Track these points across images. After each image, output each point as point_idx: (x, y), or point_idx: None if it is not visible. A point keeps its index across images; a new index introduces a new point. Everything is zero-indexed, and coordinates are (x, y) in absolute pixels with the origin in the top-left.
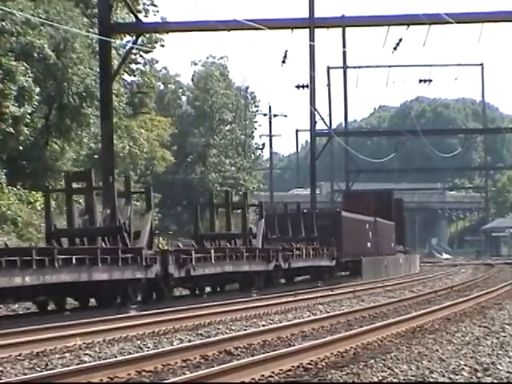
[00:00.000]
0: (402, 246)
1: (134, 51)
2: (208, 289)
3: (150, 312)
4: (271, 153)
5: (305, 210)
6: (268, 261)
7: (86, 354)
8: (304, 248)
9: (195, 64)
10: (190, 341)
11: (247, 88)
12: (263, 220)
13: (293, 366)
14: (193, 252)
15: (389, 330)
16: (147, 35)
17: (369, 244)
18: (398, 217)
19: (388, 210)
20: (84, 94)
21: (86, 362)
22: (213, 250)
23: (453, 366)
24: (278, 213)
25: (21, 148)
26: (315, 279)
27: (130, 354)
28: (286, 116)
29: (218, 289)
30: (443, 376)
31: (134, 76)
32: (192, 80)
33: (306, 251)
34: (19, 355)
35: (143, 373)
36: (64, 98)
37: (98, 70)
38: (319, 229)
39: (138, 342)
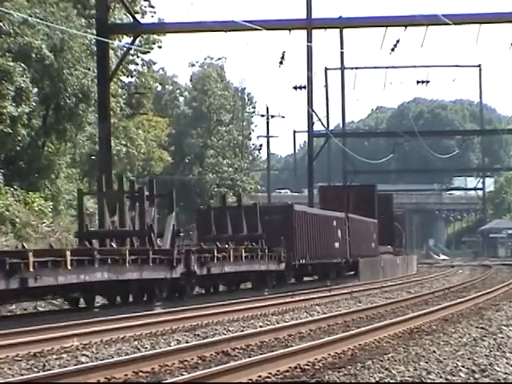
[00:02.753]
0: (391, 245)
1: (132, 52)
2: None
3: (148, 313)
4: (269, 154)
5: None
6: (171, 266)
7: (84, 355)
8: (232, 249)
9: (193, 65)
10: (187, 341)
11: (243, 89)
12: (173, 214)
13: (290, 367)
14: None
15: (386, 330)
16: (145, 36)
17: (337, 244)
18: (384, 214)
19: (370, 207)
20: (81, 94)
21: (83, 363)
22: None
23: (450, 367)
24: (215, 207)
25: (18, 148)
26: (260, 286)
27: (128, 354)
28: (283, 117)
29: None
30: (440, 377)
31: (132, 77)
32: (190, 81)
33: (237, 253)
34: (16, 356)
35: (140, 373)
36: (61, 99)
37: (95, 70)
38: (267, 226)
39: (136, 342)
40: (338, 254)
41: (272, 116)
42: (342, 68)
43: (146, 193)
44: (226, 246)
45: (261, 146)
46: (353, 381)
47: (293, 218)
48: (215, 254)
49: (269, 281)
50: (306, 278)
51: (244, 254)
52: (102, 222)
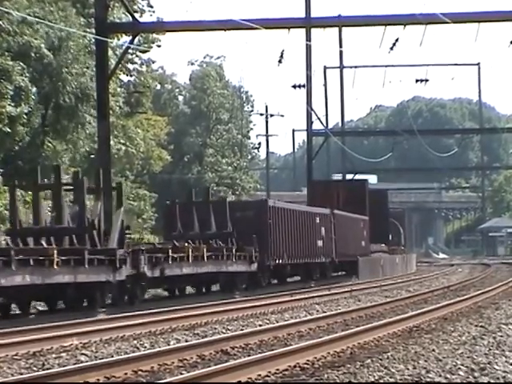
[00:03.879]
0: (385, 244)
1: (131, 51)
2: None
3: (147, 312)
4: (268, 152)
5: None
6: (114, 267)
7: (83, 354)
8: (192, 248)
9: (192, 64)
10: (186, 340)
11: (241, 88)
12: (122, 210)
13: (289, 366)
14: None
15: (385, 329)
16: (144, 35)
17: (320, 242)
18: (377, 210)
19: (361, 203)
20: (80, 93)
21: (82, 362)
22: None
23: (449, 365)
24: (181, 202)
25: (17, 148)
26: (230, 289)
27: (127, 353)
28: (282, 116)
29: None
30: (440, 376)
31: (131, 76)
32: (189, 80)
33: (199, 252)
34: (16, 355)
35: (140, 372)
36: (60, 98)
37: (94, 69)
38: (238, 223)
39: (135, 341)
40: (321, 253)
41: (271, 115)
42: (341, 67)
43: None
44: (186, 244)
45: (259, 144)
46: (352, 379)
47: (267, 215)
48: (169, 253)
49: (239, 283)
50: (290, 280)
51: (207, 254)
52: (36, 218)
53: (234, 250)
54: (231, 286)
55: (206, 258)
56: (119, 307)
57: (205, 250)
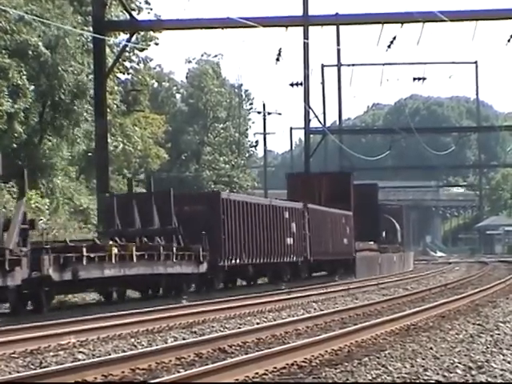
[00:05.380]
0: (374, 242)
1: (128, 49)
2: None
3: (144, 310)
4: (265, 150)
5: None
6: (3, 270)
7: (80, 352)
8: (117, 246)
9: (189, 62)
10: (184, 339)
11: (241, 85)
12: (24, 201)
13: (287, 364)
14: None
15: (383, 327)
16: (141, 33)
17: (289, 240)
18: (366, 205)
19: (346, 197)
20: (77, 91)
21: (80, 360)
22: None
23: (447, 363)
24: (119, 194)
25: (15, 145)
26: (177, 293)
27: (124, 351)
28: (280, 114)
29: None
30: (437, 374)
31: (128, 74)
32: (186, 78)
33: (127, 251)
34: (13, 353)
35: (137, 371)
36: (57, 96)
37: (91, 67)
38: (187, 218)
39: (132, 339)
40: (292, 251)
41: (269, 113)
42: (339, 65)
43: None
44: (111, 242)
45: (257, 142)
46: (349, 378)
47: (220, 209)
48: (84, 253)
49: (184, 286)
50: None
51: (137, 253)
52: None
53: (174, 249)
54: (178, 289)
55: (135, 258)
56: (20, 317)
57: (134, 248)
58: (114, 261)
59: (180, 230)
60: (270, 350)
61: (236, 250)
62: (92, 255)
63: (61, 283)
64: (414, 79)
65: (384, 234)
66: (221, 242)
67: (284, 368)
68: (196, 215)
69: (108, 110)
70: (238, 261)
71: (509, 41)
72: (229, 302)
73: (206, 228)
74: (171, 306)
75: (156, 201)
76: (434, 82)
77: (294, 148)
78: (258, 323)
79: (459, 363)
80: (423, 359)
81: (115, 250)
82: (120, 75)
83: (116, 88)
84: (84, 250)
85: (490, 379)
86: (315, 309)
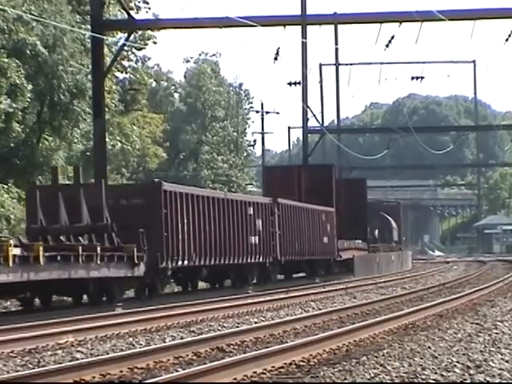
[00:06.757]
0: (362, 240)
1: (126, 48)
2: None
3: (142, 309)
4: (263, 150)
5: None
6: None
7: (78, 351)
8: (10, 246)
9: (187, 61)
10: (182, 338)
11: (241, 85)
12: None
13: (285, 363)
14: None
15: (381, 326)
16: (139, 32)
17: (253, 238)
18: (353, 201)
19: (328, 191)
20: (75, 90)
21: (78, 359)
22: None
23: (445, 362)
24: (43, 186)
25: (13, 145)
26: (110, 300)
27: (123, 350)
28: (278, 113)
29: None
30: (435, 373)
31: (126, 73)
32: (184, 77)
33: (30, 252)
34: (11, 352)
35: (135, 370)
36: (55, 95)
37: (89, 66)
38: (124, 213)
39: (130, 339)
40: (257, 251)
41: (267, 112)
42: (337, 64)
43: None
44: (11, 241)
45: (255, 141)
46: (348, 377)
47: (161, 202)
48: None
49: (117, 292)
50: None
51: (46, 254)
52: None
53: (99, 249)
54: (110, 296)
55: (42, 261)
56: None
57: (41, 248)
58: (11, 263)
59: (113, 226)
60: (268, 350)
61: (183, 250)
62: None
63: None
64: (412, 78)
65: (377, 232)
66: (162, 241)
67: (282, 367)
68: (134, 210)
69: (106, 109)
70: (186, 262)
71: (507, 40)
72: (227, 302)
73: (145, 224)
74: (166, 306)
75: (86, 194)
76: (432, 81)
77: (292, 147)
78: (256, 322)
79: (457, 362)
80: (421, 358)
81: (14, 251)
82: (118, 74)
83: (114, 87)
84: None
85: (488, 378)
86: (313, 308)
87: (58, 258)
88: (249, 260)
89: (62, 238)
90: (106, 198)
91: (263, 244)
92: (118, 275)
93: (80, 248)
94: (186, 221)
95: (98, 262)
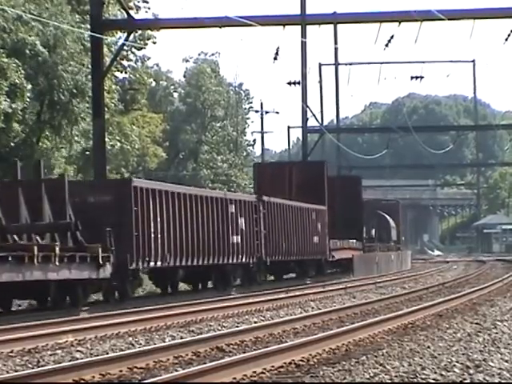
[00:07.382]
0: (357, 240)
1: (126, 48)
2: None
3: (142, 309)
4: (263, 149)
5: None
6: None
7: (78, 351)
8: None
9: (187, 61)
10: (181, 337)
11: (240, 85)
12: None
13: (284, 363)
14: None
15: (380, 326)
16: (139, 32)
17: (236, 238)
18: (348, 199)
19: (319, 189)
20: (75, 90)
21: (77, 359)
22: None
23: (444, 362)
24: (2, 181)
25: (12, 145)
26: (74, 303)
27: (122, 350)
28: (277, 113)
29: None
30: (435, 373)
31: (126, 73)
32: (184, 77)
33: None
34: (11, 352)
35: (135, 369)
36: (55, 95)
37: (89, 66)
38: (91, 211)
39: (130, 338)
40: (240, 251)
41: (266, 112)
42: (336, 64)
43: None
44: None
45: (254, 141)
46: (347, 376)
47: (131, 199)
48: None
49: (80, 295)
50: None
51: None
52: None
53: (57, 249)
54: (74, 298)
55: None
56: None
57: None
58: None
59: (78, 225)
60: (267, 349)
61: (156, 250)
62: None
63: None
64: (412, 78)
65: (374, 231)
66: (132, 241)
67: (282, 367)
68: (102, 207)
69: (106, 108)
70: (159, 263)
71: (506, 39)
72: (226, 301)
73: (114, 223)
74: (163, 306)
75: (48, 190)
76: (431, 81)
77: (291, 147)
78: (255, 322)
79: (457, 362)
80: (421, 358)
81: None
82: (118, 74)
83: (114, 87)
84: None
85: (487, 378)
86: (313, 307)
87: (10, 258)
88: (230, 260)
89: (20, 237)
90: (71, 194)
91: (246, 244)
92: (81, 277)
93: (35, 248)
94: (159, 219)
95: (57, 263)
